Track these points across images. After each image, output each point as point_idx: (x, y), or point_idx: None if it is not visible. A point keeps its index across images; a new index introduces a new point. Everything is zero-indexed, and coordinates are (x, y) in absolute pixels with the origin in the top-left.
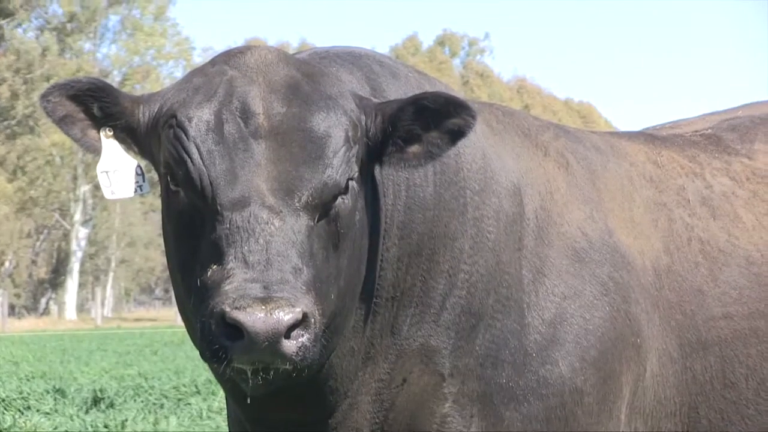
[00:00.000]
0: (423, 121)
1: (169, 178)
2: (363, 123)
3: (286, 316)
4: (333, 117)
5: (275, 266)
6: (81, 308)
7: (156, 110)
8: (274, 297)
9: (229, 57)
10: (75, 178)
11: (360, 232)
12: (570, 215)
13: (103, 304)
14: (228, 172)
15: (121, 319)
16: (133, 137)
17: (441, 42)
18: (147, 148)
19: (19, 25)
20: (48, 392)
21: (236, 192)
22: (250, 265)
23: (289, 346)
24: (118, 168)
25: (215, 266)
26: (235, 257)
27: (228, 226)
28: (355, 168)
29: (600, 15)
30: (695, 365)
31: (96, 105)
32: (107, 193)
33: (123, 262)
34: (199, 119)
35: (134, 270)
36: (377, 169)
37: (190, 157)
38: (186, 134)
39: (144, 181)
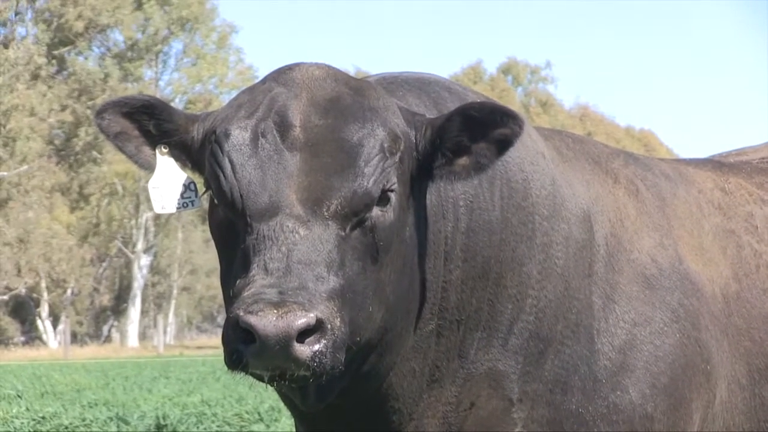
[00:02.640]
0: (470, 131)
1: (211, 193)
2: (412, 137)
3: (298, 320)
4: (368, 127)
5: (294, 273)
6: (143, 336)
7: (208, 127)
8: (288, 301)
9: (278, 74)
10: (137, 206)
11: (411, 248)
12: (640, 242)
13: (165, 332)
14: (259, 184)
15: (183, 346)
16: (187, 154)
17: (504, 70)
18: (200, 164)
19: (80, 53)
20: (111, 419)
21: (265, 203)
22: (269, 272)
23: (303, 350)
24: (170, 183)
25: (243, 276)
26: (257, 265)
27: (256, 236)
28: (393, 179)
29: (660, 43)
30: (764, 392)
31: (152, 122)
32: (157, 207)
33: (185, 289)
34: (236, 134)
35: (196, 298)
36: (436, 190)
37: (223, 171)
38: (221, 149)
39: (196, 196)
